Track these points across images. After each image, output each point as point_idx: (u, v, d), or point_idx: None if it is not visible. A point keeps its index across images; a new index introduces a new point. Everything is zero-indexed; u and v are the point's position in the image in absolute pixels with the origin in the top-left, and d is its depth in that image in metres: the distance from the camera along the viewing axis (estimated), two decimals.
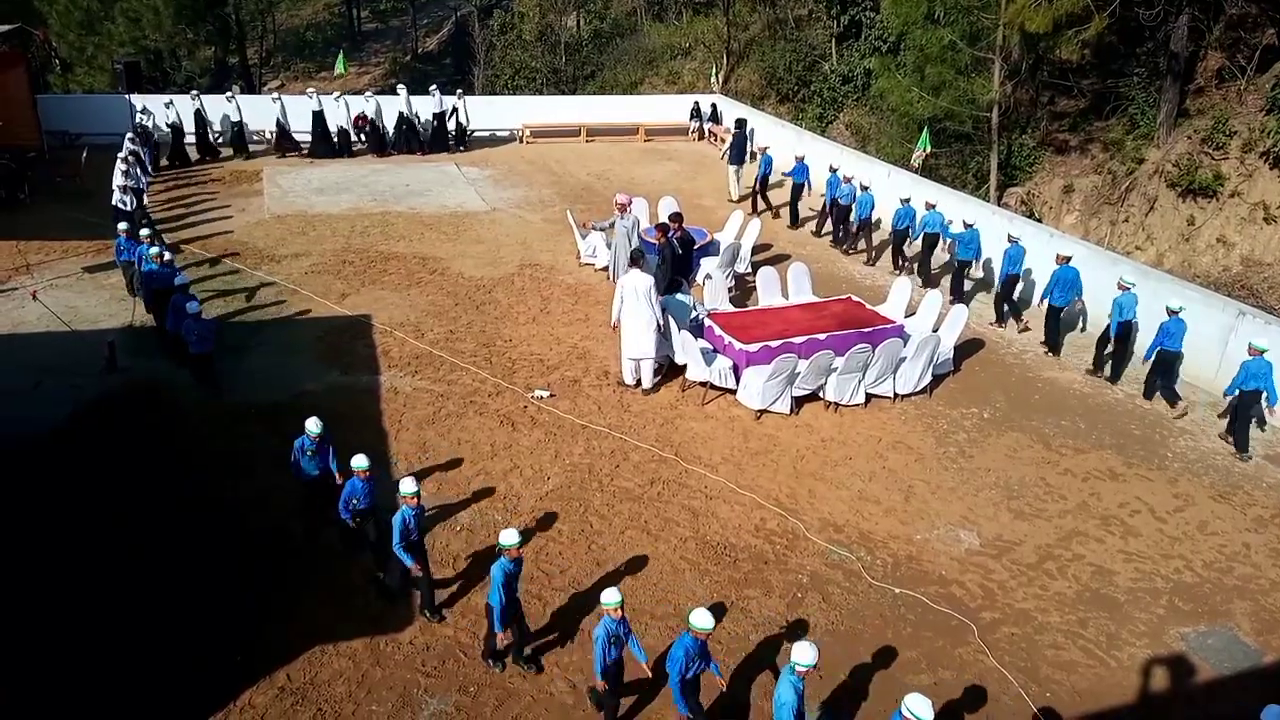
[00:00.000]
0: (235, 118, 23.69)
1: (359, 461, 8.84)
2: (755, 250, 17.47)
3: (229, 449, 11.25)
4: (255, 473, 10.75)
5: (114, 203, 16.56)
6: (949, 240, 17.03)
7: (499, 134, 27.29)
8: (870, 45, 31.15)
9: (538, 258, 17.70)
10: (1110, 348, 13.98)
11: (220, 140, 23.97)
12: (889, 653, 8.62)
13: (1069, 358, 14.61)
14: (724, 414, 12.52)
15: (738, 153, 22.12)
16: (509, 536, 7.74)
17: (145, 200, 18.18)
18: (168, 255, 14.07)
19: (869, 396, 12.88)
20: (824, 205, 19.56)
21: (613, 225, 15.53)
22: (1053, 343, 14.74)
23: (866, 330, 12.97)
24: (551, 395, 12.72)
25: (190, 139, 23.29)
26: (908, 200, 17.58)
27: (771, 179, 21.13)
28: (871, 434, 12.21)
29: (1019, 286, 15.70)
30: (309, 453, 9.41)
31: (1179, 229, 21.61)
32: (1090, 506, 10.93)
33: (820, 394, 12.72)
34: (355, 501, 8.87)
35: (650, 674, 7.55)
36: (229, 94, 24.30)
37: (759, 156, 21.11)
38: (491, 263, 17.36)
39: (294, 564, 9.36)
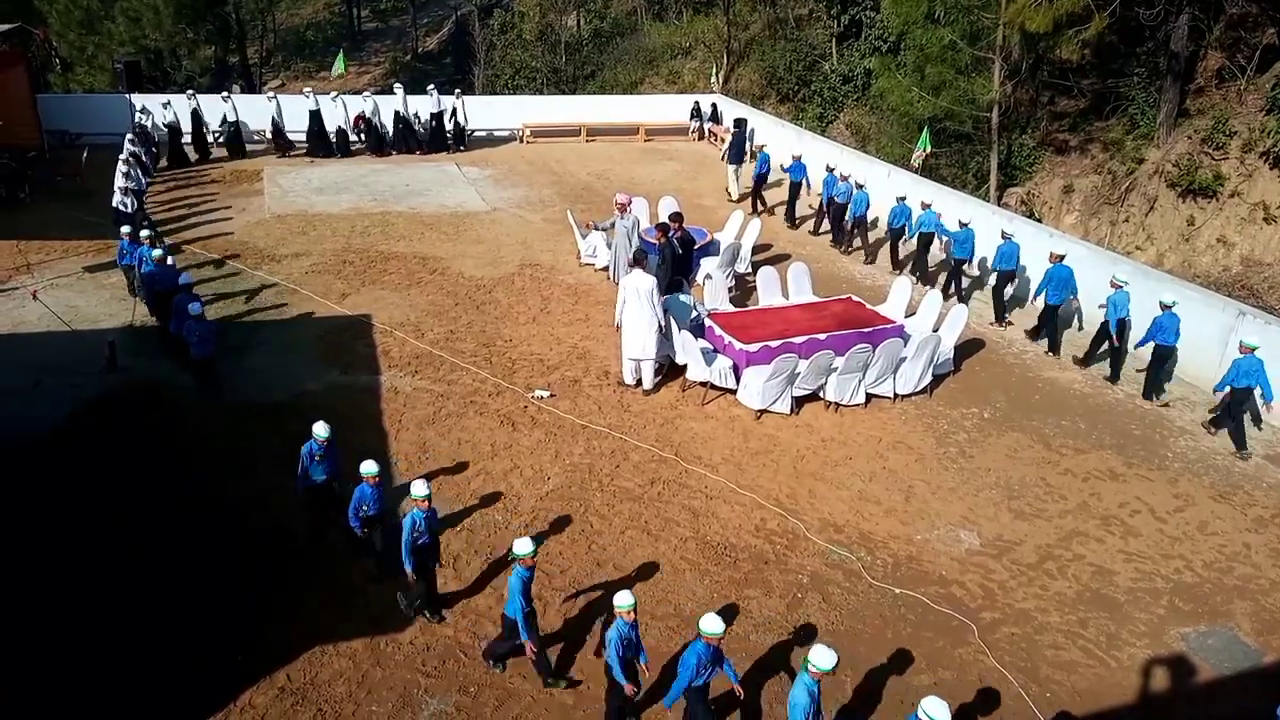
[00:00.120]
0: (231, 118, 23.58)
1: (368, 467, 8.73)
2: (755, 250, 17.48)
3: (229, 449, 11.25)
4: (255, 473, 10.75)
5: (114, 205, 16.55)
6: (945, 239, 17.04)
7: (496, 134, 27.27)
8: (870, 45, 31.15)
9: (538, 258, 17.70)
10: (1105, 346, 14.01)
11: (219, 139, 23.87)
12: (889, 653, 8.62)
13: (1068, 356, 14.60)
14: (724, 414, 12.52)
15: (736, 152, 22.19)
16: (523, 545, 7.65)
17: (145, 201, 18.16)
18: (170, 259, 14.05)
19: (869, 396, 12.88)
20: (820, 204, 19.59)
21: (613, 225, 15.55)
22: (1051, 341, 14.77)
23: (867, 330, 12.98)
24: (552, 395, 12.72)
25: (187, 139, 23.23)
26: (903, 199, 17.65)
27: (770, 177, 21.15)
28: (872, 434, 12.21)
29: (1013, 283, 15.74)
30: (317, 458, 9.29)
31: (1179, 229, 21.61)
32: (1090, 506, 10.93)
33: (820, 394, 12.72)
34: (365, 508, 8.76)
35: (647, 673, 7.55)
36: (224, 94, 24.20)
37: (756, 155, 21.16)
38: (492, 262, 17.36)
39: (295, 564, 9.36)
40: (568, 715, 7.82)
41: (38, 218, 18.61)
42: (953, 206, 17.67)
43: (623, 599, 7.12)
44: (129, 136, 19.98)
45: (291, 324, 14.55)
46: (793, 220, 20.37)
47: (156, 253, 13.69)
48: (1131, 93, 24.07)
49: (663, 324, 12.56)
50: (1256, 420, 12.75)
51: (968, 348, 14.56)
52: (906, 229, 17.57)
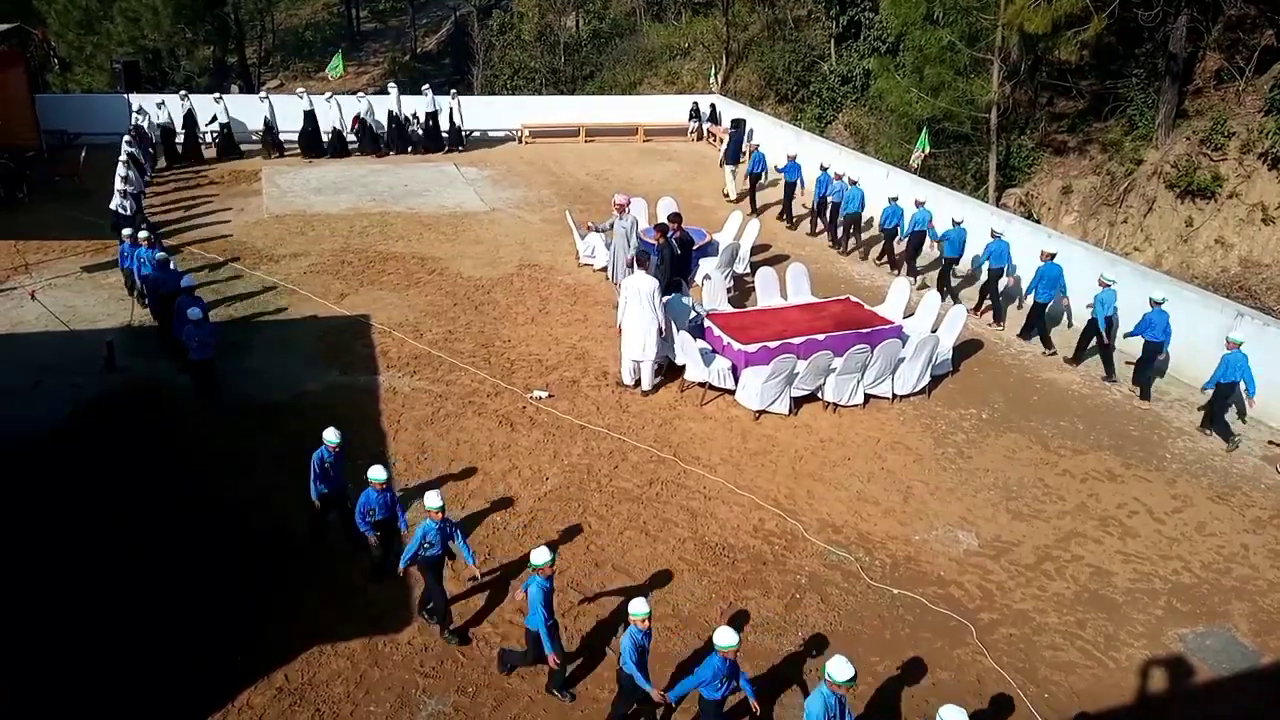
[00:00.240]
0: (223, 119, 23.41)
1: (376, 473, 8.62)
2: (754, 251, 17.49)
3: (229, 449, 11.25)
4: (255, 473, 10.75)
5: (113, 207, 16.53)
6: (937, 240, 17.09)
7: (491, 134, 27.23)
8: (869, 46, 31.18)
9: (536, 258, 17.70)
10: (1093, 343, 14.11)
11: (215, 138, 23.76)
12: (887, 653, 8.63)
13: (1062, 356, 14.61)
14: (723, 414, 12.52)
15: (733, 152, 22.27)
16: (540, 555, 7.56)
17: (144, 203, 18.13)
18: (171, 262, 14.03)
19: (868, 397, 12.89)
20: (814, 204, 19.67)
21: (611, 226, 15.54)
22: (1043, 338, 14.88)
23: (865, 331, 12.99)
24: (550, 396, 12.72)
25: (181, 139, 23.16)
26: (895, 199, 17.73)
27: (766, 177, 21.19)
28: (870, 435, 12.22)
29: (1003, 282, 15.88)
30: (328, 465, 9.19)
31: (1177, 230, 21.63)
32: (1088, 507, 10.93)
33: (819, 394, 12.73)
34: (372, 513, 8.65)
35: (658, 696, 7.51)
36: (215, 95, 24.05)
37: (750, 154, 21.23)
38: (490, 263, 17.36)
39: (295, 564, 9.36)
40: (566, 716, 7.82)
41: (36, 218, 18.60)
42: (951, 207, 17.69)
43: (638, 606, 7.07)
44: (126, 138, 19.96)
45: (290, 324, 14.54)
46: (789, 219, 20.40)
47: (160, 255, 13.67)
48: (1130, 94, 24.09)
49: (663, 326, 12.55)
50: (1241, 414, 12.82)
51: (966, 348, 14.57)
52: (899, 229, 17.66)
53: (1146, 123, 23.26)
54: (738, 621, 8.89)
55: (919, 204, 17.23)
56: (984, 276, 15.99)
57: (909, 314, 14.50)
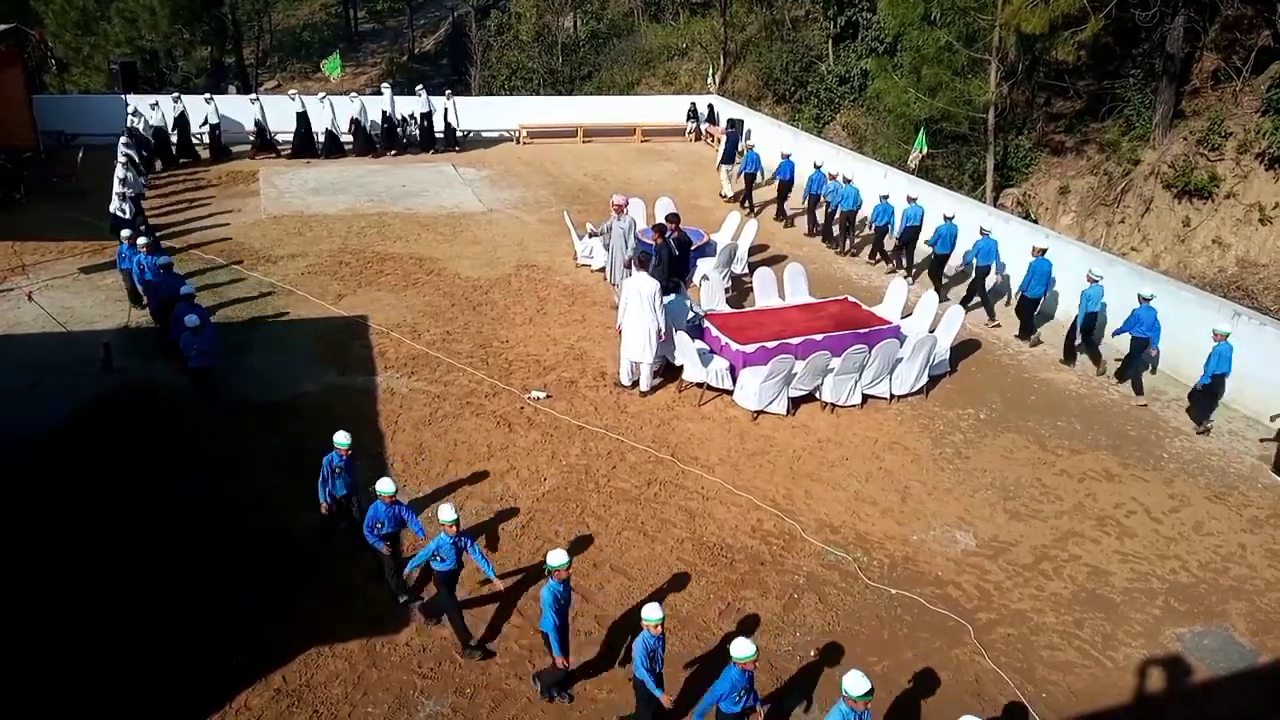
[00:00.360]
0: (213, 119, 23.22)
1: (384, 486, 8.48)
2: (752, 251, 17.50)
3: (228, 449, 11.24)
4: (255, 473, 10.75)
5: (112, 210, 16.50)
6: (930, 244, 17.16)
7: (485, 134, 27.22)
8: (867, 46, 31.19)
9: (534, 258, 17.70)
10: (1079, 339, 14.23)
11: (205, 139, 23.64)
12: (885, 654, 8.63)
13: (1053, 350, 14.65)
14: (721, 415, 12.53)
15: (730, 152, 22.33)
16: (557, 557, 7.48)
17: (142, 205, 18.07)
18: (173, 266, 13.99)
19: (865, 397, 12.90)
20: (808, 203, 19.79)
21: (610, 228, 15.52)
22: (1028, 331, 15.10)
23: (863, 331, 12.99)
24: (548, 396, 12.72)
25: (175, 141, 23.09)
26: (885, 196, 17.86)
27: (762, 176, 21.24)
28: (868, 435, 12.22)
29: (992, 279, 16.10)
30: (338, 469, 9.13)
31: (1174, 230, 21.65)
32: (1086, 507, 10.95)
33: (817, 395, 12.73)
34: (380, 526, 8.52)
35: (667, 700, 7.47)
36: (206, 96, 23.92)
37: (743, 154, 21.29)
38: (488, 263, 17.35)
39: (295, 564, 9.36)
40: (565, 716, 7.82)
41: (33, 218, 18.57)
42: (948, 207, 17.70)
43: (651, 612, 7.03)
44: (123, 140, 19.92)
45: (288, 325, 14.54)
46: (783, 218, 20.49)
47: (163, 260, 13.64)
48: (1127, 94, 24.11)
49: (662, 329, 12.54)
50: (1217, 396, 12.85)
51: (964, 348, 14.59)
52: (890, 227, 17.82)
53: (1144, 123, 23.28)
54: (734, 623, 8.89)
55: (911, 200, 17.33)
56: (972, 274, 16.14)
57: (907, 314, 14.52)
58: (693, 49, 40.42)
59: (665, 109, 29.22)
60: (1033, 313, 15.09)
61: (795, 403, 12.63)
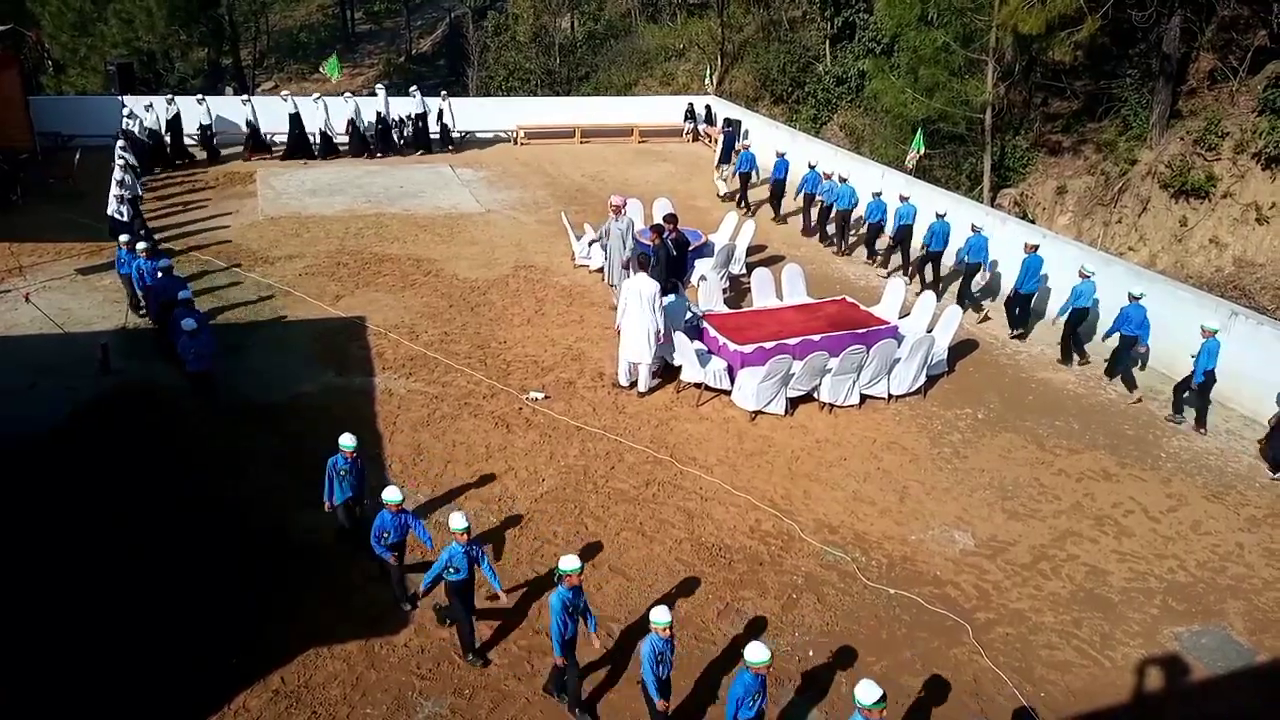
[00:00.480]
0: (205, 121, 23.21)
1: (390, 495, 8.41)
2: (750, 251, 17.51)
3: (228, 449, 11.24)
4: (255, 472, 10.74)
5: (111, 213, 16.47)
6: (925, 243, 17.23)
7: (481, 135, 27.21)
8: (864, 47, 31.24)
9: (532, 259, 17.70)
10: (1064, 331, 14.43)
11: (209, 138, 23.63)
12: (884, 653, 8.64)
13: (1051, 350, 14.67)
14: (719, 415, 12.53)
15: (725, 152, 22.39)
16: (569, 562, 7.36)
17: (140, 208, 18.01)
18: (173, 270, 13.96)
19: (864, 397, 12.90)
20: (804, 203, 19.89)
21: (608, 231, 15.50)
22: (1016, 325, 15.30)
23: (861, 331, 13.01)
24: (546, 397, 12.71)
25: (169, 143, 23.03)
26: (879, 194, 17.95)
27: (757, 175, 21.29)
28: (866, 435, 12.23)
29: (981, 275, 16.20)
30: (342, 472, 9.08)
31: (1172, 230, 21.69)
32: (1084, 507, 10.96)
33: (815, 395, 12.74)
34: (386, 535, 8.44)
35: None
36: (198, 97, 23.85)
37: (738, 154, 21.35)
38: (486, 264, 17.35)
39: (294, 564, 9.35)
40: (564, 717, 7.81)
41: (30, 220, 18.54)
42: (946, 207, 17.72)
43: (659, 615, 7.00)
44: (120, 143, 19.89)
45: (286, 326, 14.53)
46: (778, 216, 20.60)
47: (164, 264, 13.62)
48: (1124, 94, 24.16)
49: (662, 330, 12.53)
50: (1188, 389, 12.86)
51: (961, 348, 14.60)
52: (883, 224, 17.91)
53: (1141, 123, 23.32)
54: (733, 624, 8.90)
55: (903, 199, 17.43)
56: (962, 271, 16.34)
57: (904, 314, 14.53)
58: (690, 50, 40.44)
59: (663, 110, 29.23)
60: (1027, 309, 15.21)
61: (793, 403, 12.63)
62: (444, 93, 26.15)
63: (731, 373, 12.64)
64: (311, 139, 23.96)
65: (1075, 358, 14.42)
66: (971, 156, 26.33)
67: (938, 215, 16.52)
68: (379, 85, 26.66)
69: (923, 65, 24.07)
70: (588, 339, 14.46)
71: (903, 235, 17.42)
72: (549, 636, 7.59)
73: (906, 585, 9.51)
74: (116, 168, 17.42)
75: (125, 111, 22.15)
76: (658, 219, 15.78)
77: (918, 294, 15.30)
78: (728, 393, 12.72)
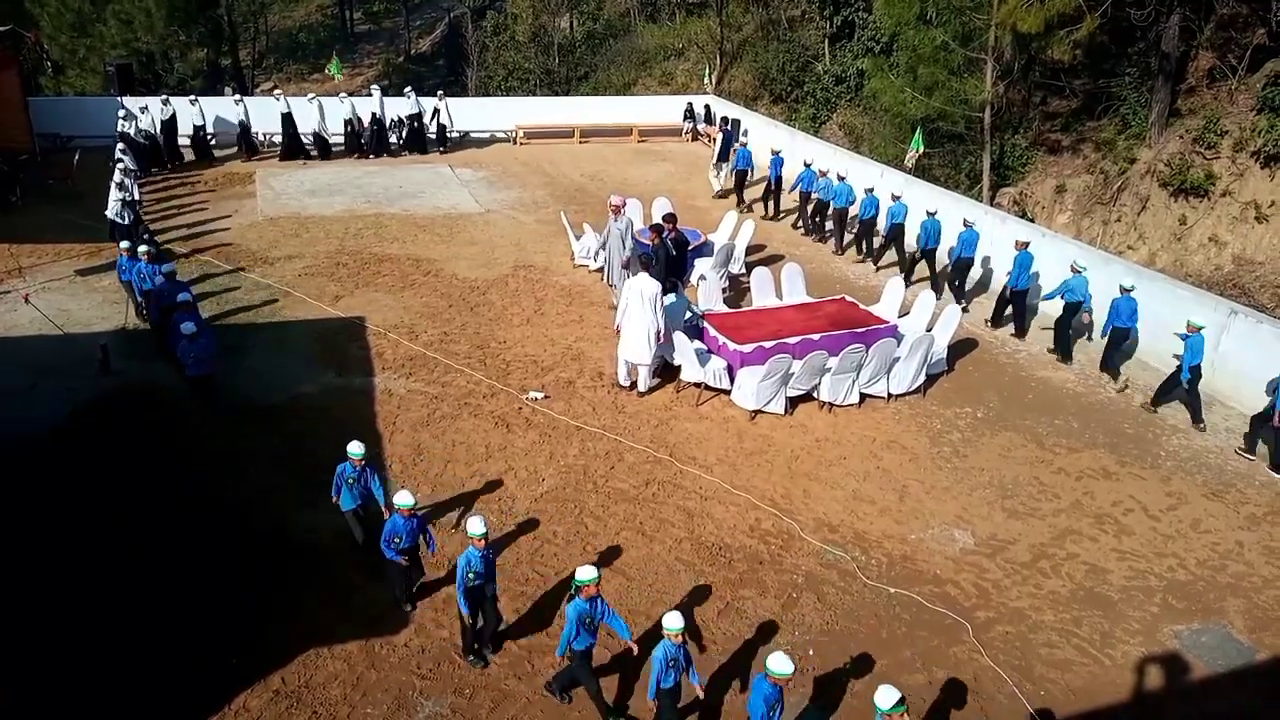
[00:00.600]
0: (198, 120, 23.17)
1: (403, 499, 8.33)
2: (749, 251, 17.51)
3: (228, 449, 11.24)
4: (255, 473, 10.74)
5: (111, 216, 16.45)
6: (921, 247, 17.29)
7: (477, 135, 27.17)
8: (863, 46, 31.23)
9: (532, 259, 17.70)
10: (1084, 336, 14.60)
11: (203, 138, 23.59)
12: (884, 652, 8.64)
13: (1047, 345, 14.69)
14: (719, 415, 12.53)
15: (723, 150, 22.42)
16: (586, 573, 7.34)
17: (139, 210, 17.99)
18: (175, 274, 13.94)
19: (863, 396, 12.90)
20: (799, 201, 19.98)
21: (608, 231, 15.47)
22: (997, 319, 15.46)
23: (860, 330, 13.01)
24: (546, 397, 12.71)
25: (164, 144, 23.01)
26: (871, 190, 18.05)
27: (753, 174, 21.30)
28: (866, 434, 12.23)
29: (975, 272, 16.44)
30: (350, 480, 9.05)
31: (1171, 228, 21.68)
32: (1084, 505, 10.96)
33: (815, 394, 12.74)
34: (398, 540, 8.41)
35: (703, 693, 7.48)
36: (191, 98, 23.79)
37: (735, 151, 21.39)
38: (485, 264, 17.35)
39: (294, 564, 9.35)
40: (564, 716, 7.82)
41: (29, 221, 18.54)
42: (945, 206, 17.75)
43: (672, 621, 6.99)
44: (119, 146, 19.88)
45: (286, 326, 14.53)
46: (775, 213, 20.67)
47: (167, 268, 13.60)
48: (1123, 93, 24.15)
49: (662, 331, 12.53)
50: (1176, 386, 12.88)
51: (961, 347, 14.61)
52: (876, 219, 18.02)
53: (1140, 121, 23.32)
54: (733, 623, 8.90)
55: (895, 198, 17.52)
56: (950, 266, 16.49)
57: (904, 313, 14.54)
58: (689, 49, 40.44)
59: (662, 109, 29.25)
60: (1022, 307, 15.28)
61: (793, 402, 12.63)
62: (440, 92, 26.14)
63: (731, 372, 12.64)
64: (305, 140, 23.94)
65: (1059, 351, 14.56)
66: (971, 155, 26.33)
67: (928, 213, 16.60)
68: (373, 86, 26.62)
69: (922, 64, 24.06)
70: (587, 338, 14.46)
71: (894, 233, 17.47)
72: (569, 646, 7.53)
73: (906, 584, 9.51)
74: (116, 170, 17.44)
75: (121, 113, 22.14)
76: (657, 219, 15.78)
77: (903, 281, 15.35)
78: (727, 392, 12.72)
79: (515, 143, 27.03)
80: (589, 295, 16.07)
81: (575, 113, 28.35)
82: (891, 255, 17.84)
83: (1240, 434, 12.49)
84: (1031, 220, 22.51)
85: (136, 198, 17.27)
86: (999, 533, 10.39)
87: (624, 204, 15.51)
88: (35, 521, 9.83)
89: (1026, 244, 15.04)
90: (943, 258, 16.88)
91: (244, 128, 23.69)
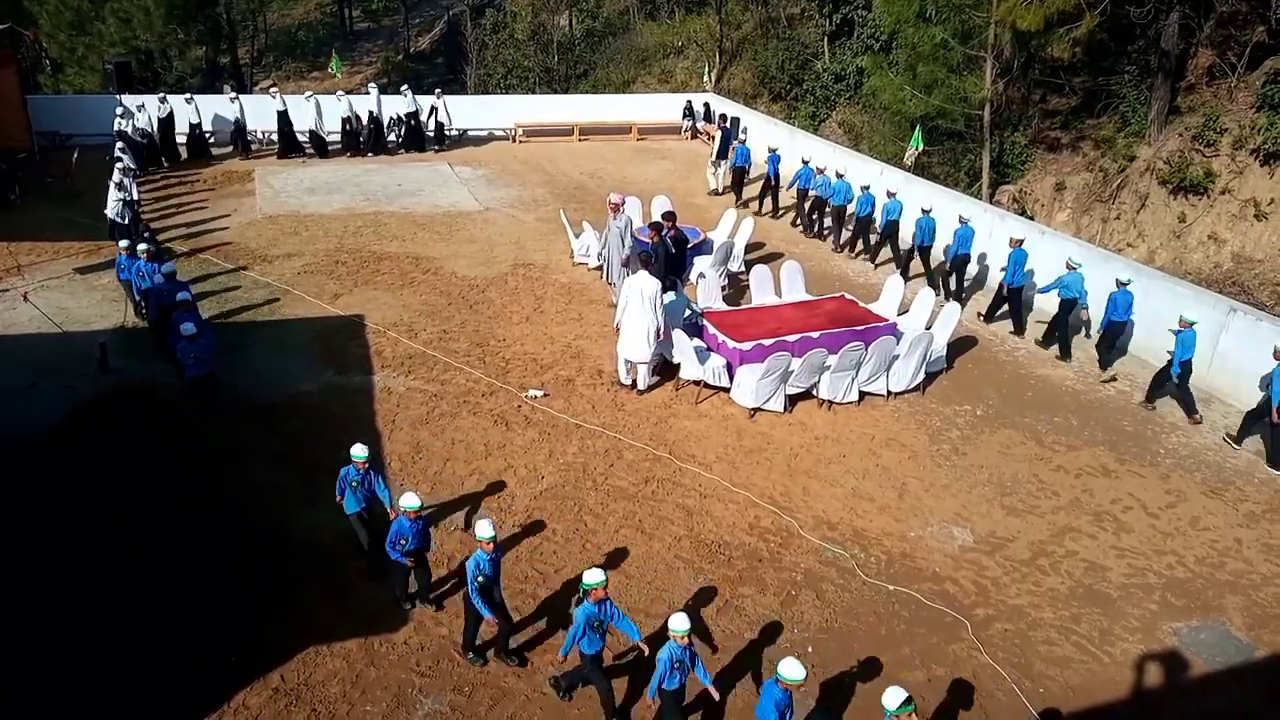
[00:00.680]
0: (194, 120, 23.10)
1: (409, 501, 8.28)
2: (748, 249, 17.50)
3: (228, 448, 11.23)
4: (254, 472, 10.74)
5: (111, 216, 16.43)
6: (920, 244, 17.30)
7: (475, 133, 27.13)
8: (862, 44, 31.22)
9: (531, 257, 17.69)
10: (1082, 332, 14.70)
11: (198, 136, 23.54)
12: (883, 650, 8.65)
13: (1032, 336, 14.75)
14: (718, 412, 12.53)
15: (722, 148, 22.42)
16: (593, 576, 7.30)
17: (139, 209, 17.97)
18: (175, 274, 13.93)
19: (862, 394, 12.91)
20: (797, 198, 20.02)
21: (608, 230, 15.46)
22: (993, 315, 15.57)
23: (860, 328, 13.01)
24: (545, 394, 12.72)
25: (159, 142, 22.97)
26: (867, 187, 18.06)
27: (751, 172, 21.32)
28: (865, 431, 12.24)
29: (971, 268, 16.45)
30: (354, 483, 9.00)
31: (1170, 226, 21.69)
32: (1083, 503, 10.97)
33: (814, 392, 12.74)
34: (404, 541, 8.34)
35: (718, 697, 7.48)
36: (187, 96, 23.72)
37: (733, 149, 21.41)
38: (485, 262, 17.34)
39: (293, 563, 9.35)
40: (563, 715, 7.82)
41: (28, 219, 18.53)
42: (944, 204, 17.76)
43: (679, 623, 6.98)
44: (119, 145, 19.83)
45: (285, 324, 14.52)
46: (773, 210, 20.68)
47: (167, 268, 13.59)
48: (1123, 90, 24.15)
49: (662, 328, 12.53)
50: (1166, 382, 12.95)
51: (960, 345, 14.61)
52: (872, 216, 18.05)
53: (1139, 119, 23.31)
54: (732, 620, 8.91)
55: (890, 195, 17.55)
56: (946, 263, 16.50)
57: (903, 311, 14.54)
58: (688, 47, 40.41)
59: (661, 107, 29.23)
60: (1019, 304, 15.33)
61: (792, 400, 12.64)
62: (438, 90, 26.10)
63: (730, 370, 12.65)
64: (302, 138, 23.90)
65: (1058, 348, 14.59)
66: (970, 153, 26.33)
67: (923, 210, 16.66)
68: (371, 84, 26.59)
69: (921, 62, 24.06)
70: (586, 336, 14.46)
71: (890, 230, 17.49)
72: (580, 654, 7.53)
73: (905, 581, 9.52)
74: (116, 170, 17.44)
75: (119, 111, 22.12)
76: (656, 217, 15.78)
77: (900, 276, 15.37)
78: (727, 390, 12.72)
79: (514, 141, 27.02)
80: (588, 293, 16.07)
81: (574, 111, 28.31)
82: (888, 252, 17.85)
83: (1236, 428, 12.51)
84: (1031, 218, 22.50)
85: (136, 197, 17.26)
86: (998, 530, 10.39)
87: (623, 202, 15.51)
88: (35, 521, 9.83)
89: (1021, 241, 15.08)
90: (938, 255, 16.90)
91: (239, 126, 23.66)
